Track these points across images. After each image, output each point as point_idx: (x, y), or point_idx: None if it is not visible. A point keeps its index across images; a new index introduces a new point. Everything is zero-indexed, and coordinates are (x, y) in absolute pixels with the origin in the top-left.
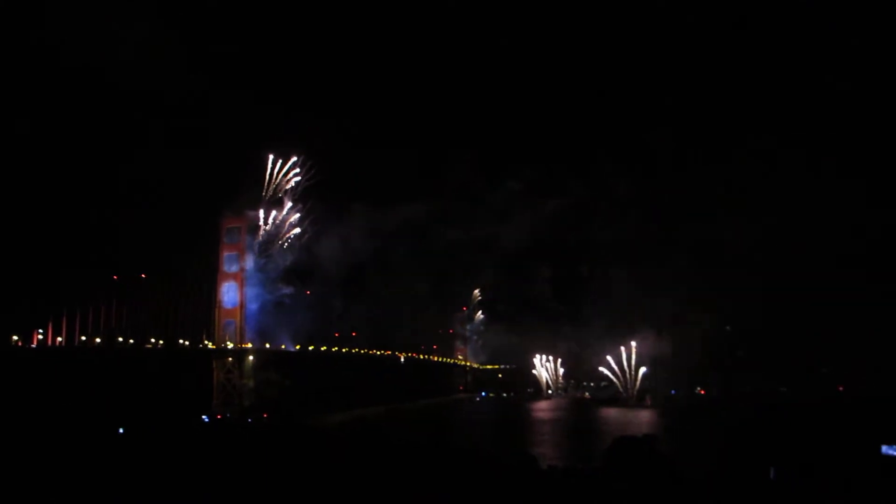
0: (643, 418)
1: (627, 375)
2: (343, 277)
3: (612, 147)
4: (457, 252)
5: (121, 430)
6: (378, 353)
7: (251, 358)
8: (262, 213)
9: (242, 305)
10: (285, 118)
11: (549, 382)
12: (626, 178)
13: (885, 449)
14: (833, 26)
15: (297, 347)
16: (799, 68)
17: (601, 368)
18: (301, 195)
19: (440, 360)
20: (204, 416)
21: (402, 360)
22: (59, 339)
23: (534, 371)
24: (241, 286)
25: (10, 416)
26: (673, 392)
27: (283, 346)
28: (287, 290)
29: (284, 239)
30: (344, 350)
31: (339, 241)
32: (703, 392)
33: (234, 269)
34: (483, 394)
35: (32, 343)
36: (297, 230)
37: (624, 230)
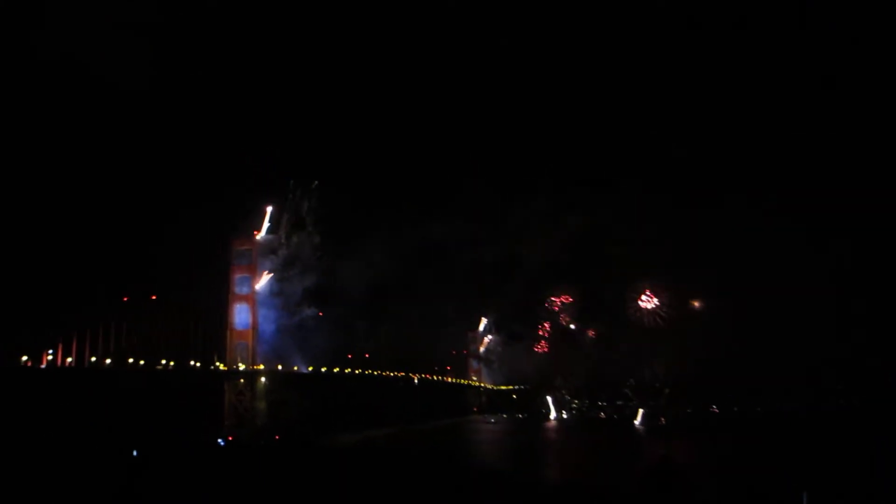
0: (657, 437)
1: (646, 394)
2: (362, 299)
3: (637, 163)
4: (476, 272)
5: (135, 453)
6: (391, 374)
7: (263, 379)
8: (283, 235)
9: (254, 327)
10: (298, 137)
11: (564, 403)
12: (650, 194)
13: None
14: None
15: (310, 369)
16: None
17: (625, 390)
18: (320, 217)
19: (454, 380)
20: (220, 440)
21: (416, 381)
22: (69, 359)
23: (549, 392)
24: (253, 308)
25: (21, 438)
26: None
27: (295, 368)
28: (305, 312)
29: (302, 261)
30: (357, 371)
31: (358, 263)
32: (716, 410)
33: (245, 290)
34: (503, 415)
35: (42, 364)
36: (316, 252)
37: (648, 248)
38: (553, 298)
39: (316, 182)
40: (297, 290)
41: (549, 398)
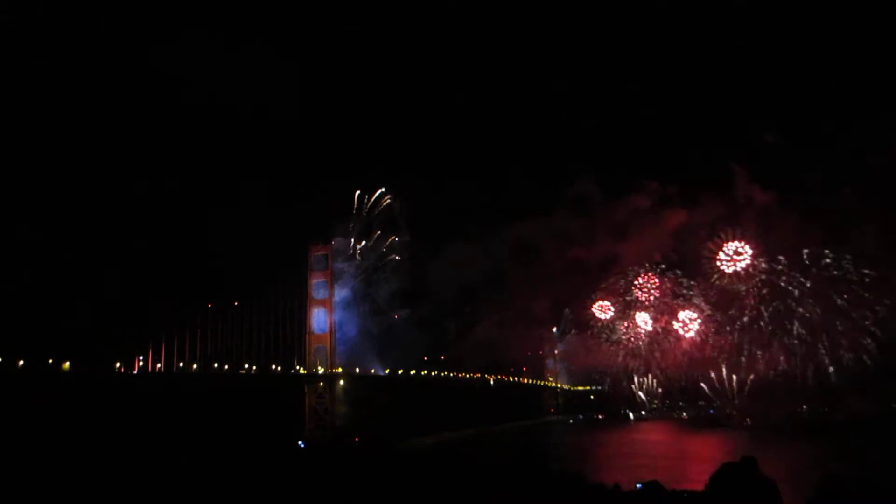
0: (741, 440)
1: (730, 395)
2: (447, 302)
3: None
4: (569, 269)
5: (221, 453)
6: (467, 376)
7: (342, 382)
8: (370, 239)
9: (332, 331)
10: (387, 136)
11: (644, 404)
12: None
13: None
14: None
15: (387, 372)
16: None
17: (703, 387)
18: (403, 222)
19: (530, 381)
20: (300, 443)
21: (492, 382)
22: (159, 364)
23: (629, 392)
24: (331, 312)
25: (115, 437)
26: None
27: (372, 371)
28: (386, 316)
29: (383, 265)
30: (433, 374)
31: (446, 265)
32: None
33: (322, 295)
34: (580, 416)
35: (134, 369)
36: (396, 256)
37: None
38: (647, 295)
39: (409, 183)
40: (377, 294)
41: (631, 397)
